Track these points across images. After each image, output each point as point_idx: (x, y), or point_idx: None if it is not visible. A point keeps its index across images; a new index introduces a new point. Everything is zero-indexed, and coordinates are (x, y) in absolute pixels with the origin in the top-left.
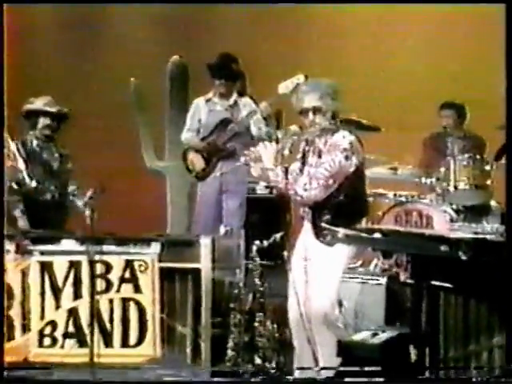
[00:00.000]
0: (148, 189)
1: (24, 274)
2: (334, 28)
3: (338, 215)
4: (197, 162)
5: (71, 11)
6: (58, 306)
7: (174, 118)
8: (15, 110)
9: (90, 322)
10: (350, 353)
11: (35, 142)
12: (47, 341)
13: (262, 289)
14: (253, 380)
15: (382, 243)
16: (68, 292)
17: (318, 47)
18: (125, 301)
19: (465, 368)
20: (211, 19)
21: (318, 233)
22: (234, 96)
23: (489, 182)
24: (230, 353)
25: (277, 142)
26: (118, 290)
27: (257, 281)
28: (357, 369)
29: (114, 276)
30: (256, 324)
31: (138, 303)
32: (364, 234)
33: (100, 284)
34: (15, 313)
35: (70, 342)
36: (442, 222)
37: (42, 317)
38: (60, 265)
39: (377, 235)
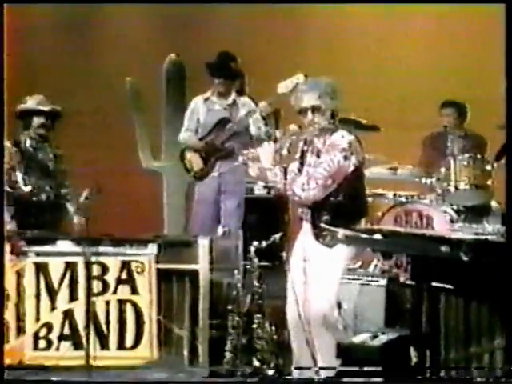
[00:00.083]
0: (144, 189)
1: (19, 275)
2: (333, 28)
3: (337, 216)
4: (195, 161)
5: (68, 11)
6: (53, 308)
7: (170, 117)
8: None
9: (86, 324)
10: (349, 355)
11: (29, 142)
12: (42, 343)
13: (260, 290)
14: (251, 380)
15: (382, 244)
16: (64, 294)
17: (318, 47)
18: (121, 302)
19: (465, 368)
20: (210, 18)
21: (317, 233)
22: (233, 95)
23: (489, 182)
24: (227, 355)
25: (275, 141)
26: (115, 292)
27: (255, 282)
28: (356, 369)
29: (110, 277)
30: (254, 326)
31: (134, 305)
32: (363, 235)
33: (96, 285)
34: (10, 315)
35: (66, 345)
36: (443, 223)
37: (37, 319)
38: (56, 266)
39: (376, 236)
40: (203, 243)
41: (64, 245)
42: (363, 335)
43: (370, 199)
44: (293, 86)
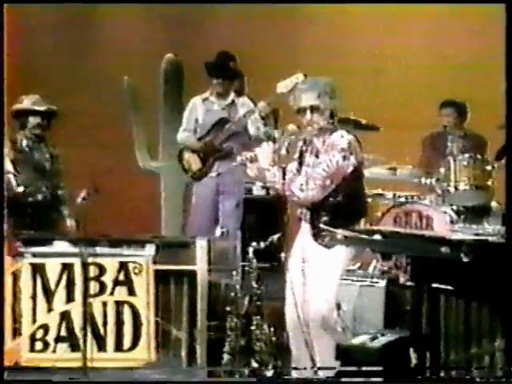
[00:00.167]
0: (142, 189)
1: (15, 276)
2: (333, 28)
3: (337, 216)
4: (193, 162)
5: (66, 11)
6: (50, 310)
7: (168, 116)
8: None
9: (83, 326)
10: (348, 357)
11: (25, 142)
12: (39, 345)
13: (258, 291)
14: (249, 380)
15: (381, 245)
16: (60, 295)
17: (318, 47)
18: (119, 304)
19: (465, 369)
20: (208, 18)
21: (316, 234)
22: (232, 95)
23: (490, 183)
24: (226, 357)
25: (274, 141)
26: (112, 293)
27: (253, 283)
28: (354, 369)
29: (107, 278)
30: (253, 327)
31: (132, 306)
32: (363, 236)
33: (93, 287)
34: (6, 316)
35: (63, 346)
36: (442, 224)
37: (34, 320)
38: (52, 267)
39: (376, 236)
40: (201, 244)
41: (61, 245)
42: (362, 337)
43: (369, 199)
44: (292, 85)
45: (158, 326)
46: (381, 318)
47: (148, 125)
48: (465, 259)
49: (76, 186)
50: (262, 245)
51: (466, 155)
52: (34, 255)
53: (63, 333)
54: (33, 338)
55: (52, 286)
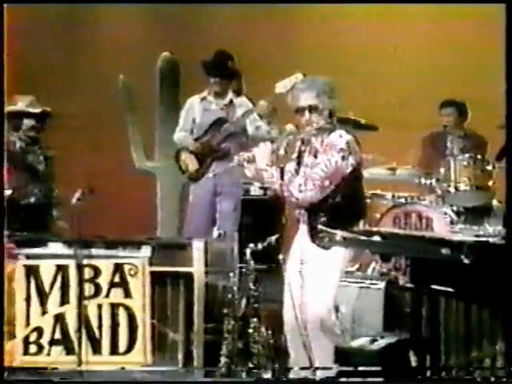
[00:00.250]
0: (138, 190)
1: (9, 278)
2: (333, 28)
3: (335, 217)
4: (190, 162)
5: (62, 11)
6: (44, 312)
7: (164, 116)
8: None
9: (78, 328)
10: (347, 359)
11: (18, 144)
12: (33, 348)
13: (256, 293)
14: (247, 380)
15: (381, 246)
16: (55, 297)
17: (317, 47)
18: (114, 306)
19: (466, 369)
20: (206, 17)
21: (315, 235)
22: (230, 95)
23: (490, 183)
24: (223, 360)
25: (272, 141)
26: (107, 295)
27: (251, 285)
28: (351, 369)
29: (102, 280)
30: (250, 330)
31: (127, 308)
32: (362, 237)
33: (88, 289)
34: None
35: (57, 349)
36: (442, 224)
37: (28, 323)
38: (47, 269)
39: (375, 238)
40: (198, 245)
41: (55, 247)
42: (362, 339)
43: (368, 200)
44: (291, 85)
45: (154, 328)
46: (380, 320)
47: (144, 124)
48: (466, 261)
49: (71, 187)
50: (260, 246)
51: (466, 155)
52: (28, 257)
53: (58, 335)
54: (27, 341)
55: (46, 288)
